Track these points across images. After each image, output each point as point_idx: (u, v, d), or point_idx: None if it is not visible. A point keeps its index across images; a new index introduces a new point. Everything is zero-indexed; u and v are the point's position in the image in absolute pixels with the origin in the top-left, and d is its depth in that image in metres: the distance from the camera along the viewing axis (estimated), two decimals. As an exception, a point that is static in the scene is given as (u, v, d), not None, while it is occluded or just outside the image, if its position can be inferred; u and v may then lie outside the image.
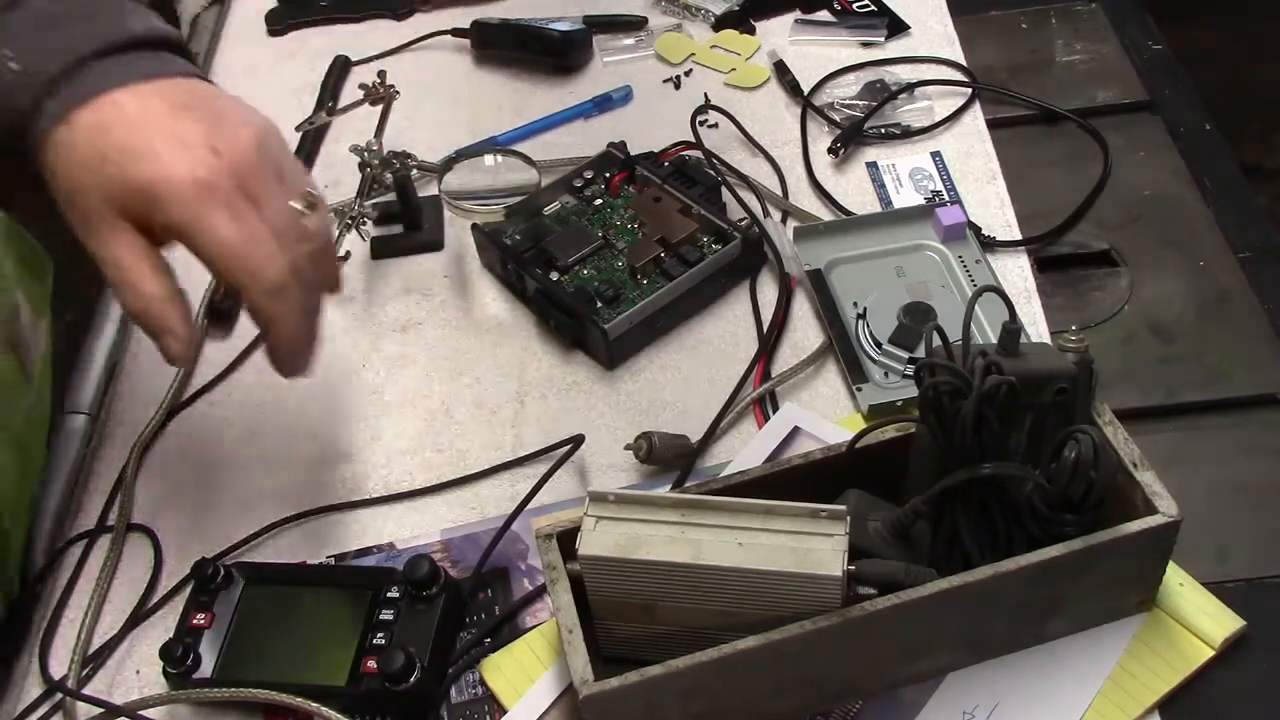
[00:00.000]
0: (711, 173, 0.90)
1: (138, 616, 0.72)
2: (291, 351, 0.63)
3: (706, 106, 0.98)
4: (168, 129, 0.58)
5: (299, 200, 0.62)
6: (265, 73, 1.11)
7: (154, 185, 0.57)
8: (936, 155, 0.94)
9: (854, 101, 0.99)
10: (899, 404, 0.76)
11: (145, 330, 0.60)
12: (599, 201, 0.89)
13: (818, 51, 1.04)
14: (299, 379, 0.65)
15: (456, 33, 1.08)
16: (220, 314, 0.88)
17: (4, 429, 0.76)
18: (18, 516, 0.76)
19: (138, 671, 0.70)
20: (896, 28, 1.05)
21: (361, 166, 0.89)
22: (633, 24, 1.08)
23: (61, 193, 0.59)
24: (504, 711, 0.66)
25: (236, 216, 0.58)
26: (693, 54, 1.06)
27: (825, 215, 0.91)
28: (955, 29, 1.05)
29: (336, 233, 0.87)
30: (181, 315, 0.60)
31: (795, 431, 0.76)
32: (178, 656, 0.67)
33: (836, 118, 0.97)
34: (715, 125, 0.98)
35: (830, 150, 0.95)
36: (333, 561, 0.74)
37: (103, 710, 0.67)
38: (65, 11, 0.61)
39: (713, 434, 0.76)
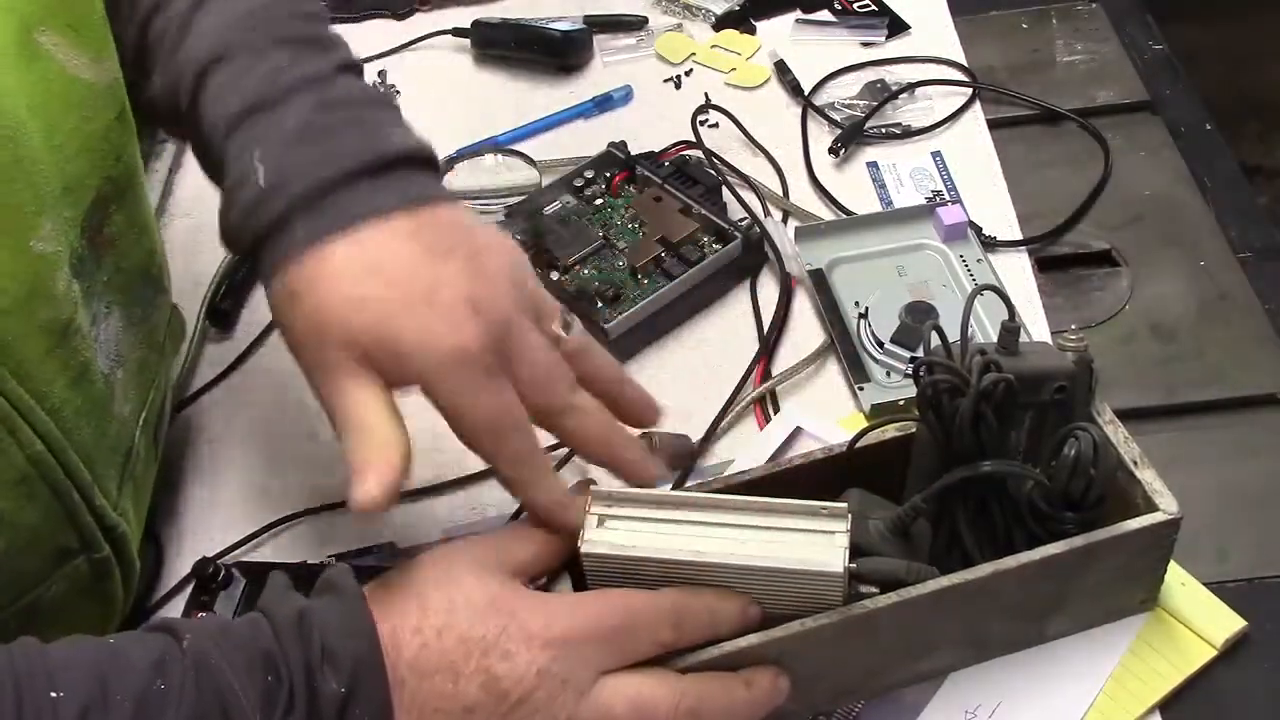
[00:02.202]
0: (712, 172, 0.90)
1: (138, 616, 0.72)
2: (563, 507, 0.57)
3: (707, 106, 0.98)
4: (428, 283, 0.54)
5: (557, 323, 0.58)
6: (265, 73, 1.11)
7: (412, 350, 0.53)
8: (937, 155, 0.94)
9: (854, 101, 0.99)
10: (901, 403, 0.76)
11: (352, 466, 0.54)
12: (599, 201, 0.89)
13: (818, 51, 1.04)
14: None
15: (457, 32, 1.08)
16: (220, 314, 0.88)
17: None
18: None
19: (138, 671, 0.70)
20: (897, 28, 1.05)
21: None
22: (633, 24, 1.08)
23: (295, 327, 0.55)
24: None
25: (492, 386, 0.54)
26: (693, 54, 1.06)
27: (826, 215, 0.91)
28: (955, 29, 1.05)
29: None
30: (395, 472, 0.54)
31: (797, 431, 0.76)
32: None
33: (837, 117, 0.97)
34: (716, 125, 0.98)
35: (831, 150, 0.95)
36: (333, 561, 0.74)
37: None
38: (325, 125, 0.57)
39: (713, 434, 0.76)
